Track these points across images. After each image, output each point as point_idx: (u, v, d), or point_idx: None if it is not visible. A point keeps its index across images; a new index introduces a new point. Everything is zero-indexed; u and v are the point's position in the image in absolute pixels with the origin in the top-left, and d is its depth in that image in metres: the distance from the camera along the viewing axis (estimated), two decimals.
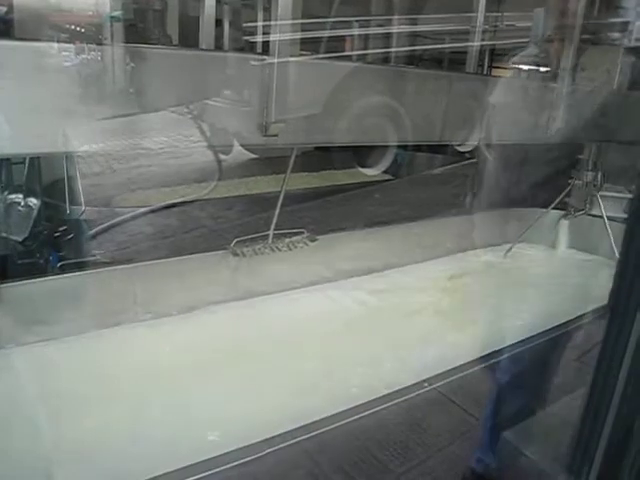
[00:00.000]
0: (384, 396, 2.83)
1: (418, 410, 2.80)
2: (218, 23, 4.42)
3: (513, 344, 2.95)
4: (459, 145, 6.46)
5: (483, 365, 3.10)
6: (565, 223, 5.97)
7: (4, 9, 3.14)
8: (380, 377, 3.51)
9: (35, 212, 4.59)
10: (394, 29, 5.62)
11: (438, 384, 2.98)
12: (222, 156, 6.84)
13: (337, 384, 3.48)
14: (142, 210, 5.58)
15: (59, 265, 4.23)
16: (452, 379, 3.11)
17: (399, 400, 2.79)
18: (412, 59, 6.21)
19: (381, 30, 5.85)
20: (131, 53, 3.17)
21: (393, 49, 5.53)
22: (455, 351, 3.72)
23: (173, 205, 5.86)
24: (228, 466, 2.22)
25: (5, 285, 3.66)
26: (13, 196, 4.61)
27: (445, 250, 5.69)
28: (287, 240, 4.70)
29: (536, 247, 6.00)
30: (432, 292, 4.98)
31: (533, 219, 5.68)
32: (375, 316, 4.48)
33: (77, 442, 2.85)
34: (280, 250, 4.63)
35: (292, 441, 2.40)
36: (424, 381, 2.96)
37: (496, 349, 2.86)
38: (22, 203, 4.60)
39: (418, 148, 8.13)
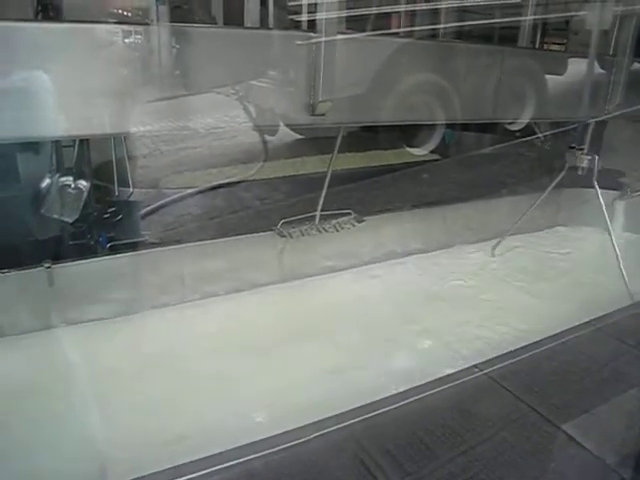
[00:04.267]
0: (433, 381, 2.77)
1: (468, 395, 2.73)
2: (263, 2, 4.38)
3: None
4: (510, 124, 6.27)
5: None
6: (621, 204, 5.69)
7: None
8: None
9: (85, 194, 4.66)
10: (442, 4, 5.48)
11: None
12: (268, 137, 6.83)
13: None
14: (189, 191, 5.61)
15: (109, 246, 4.28)
16: None
17: (448, 385, 2.73)
18: (460, 35, 6.05)
19: (428, 6, 5.71)
20: (176, 33, 3.15)
21: (441, 25, 5.40)
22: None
23: (220, 186, 5.87)
24: (275, 449, 2.21)
25: (57, 266, 3.73)
26: (64, 179, 4.68)
27: (495, 232, 5.55)
28: (334, 221, 4.66)
29: (586, 230, 5.77)
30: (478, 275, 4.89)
31: (582, 200, 5.45)
32: (424, 296, 4.44)
33: None
34: (327, 231, 4.59)
35: (339, 425, 2.37)
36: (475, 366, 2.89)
37: None
38: (72, 185, 4.67)
39: (466, 127, 7.94)
